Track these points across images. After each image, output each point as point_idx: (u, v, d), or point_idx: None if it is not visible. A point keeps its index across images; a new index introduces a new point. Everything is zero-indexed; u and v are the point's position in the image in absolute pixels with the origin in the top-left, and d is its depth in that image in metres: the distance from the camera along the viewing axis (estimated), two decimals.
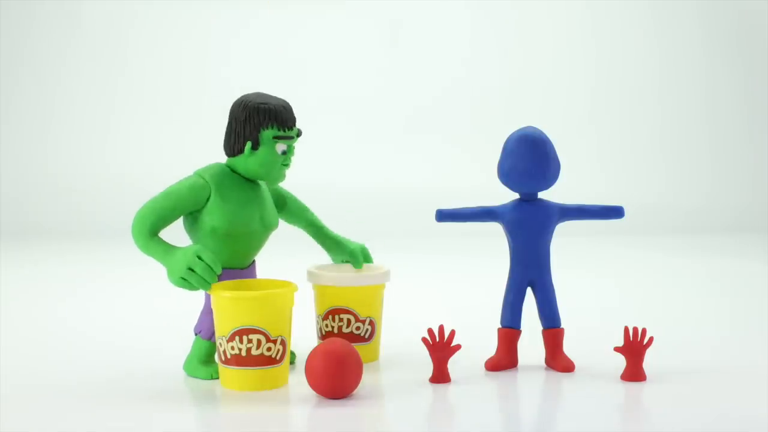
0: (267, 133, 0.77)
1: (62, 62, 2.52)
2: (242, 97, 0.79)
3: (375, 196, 2.21)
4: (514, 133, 0.82)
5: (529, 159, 0.81)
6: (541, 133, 0.82)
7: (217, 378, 0.78)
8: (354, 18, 2.51)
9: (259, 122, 0.77)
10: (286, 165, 0.80)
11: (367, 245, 0.91)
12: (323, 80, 2.45)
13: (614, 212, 0.84)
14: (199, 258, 0.73)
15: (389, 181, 2.26)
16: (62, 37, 2.52)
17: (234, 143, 0.79)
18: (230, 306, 0.74)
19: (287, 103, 0.80)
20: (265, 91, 0.81)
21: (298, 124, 0.81)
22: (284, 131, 0.78)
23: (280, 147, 0.78)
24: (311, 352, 0.73)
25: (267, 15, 2.50)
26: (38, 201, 2.30)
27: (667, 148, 2.44)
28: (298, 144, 0.82)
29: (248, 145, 0.77)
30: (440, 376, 0.78)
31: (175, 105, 2.32)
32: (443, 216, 0.83)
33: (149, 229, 0.75)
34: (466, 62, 2.50)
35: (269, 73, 2.36)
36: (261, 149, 0.78)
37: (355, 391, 0.74)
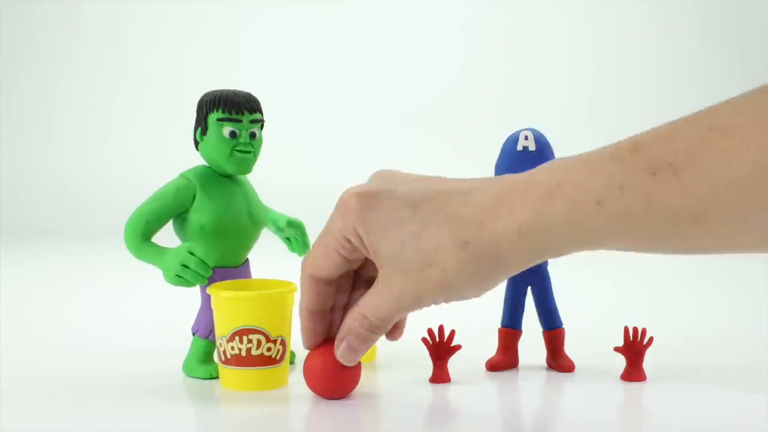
0: (212, 116, 0.79)
1: (62, 62, 2.52)
2: None
3: None
4: (512, 134, 0.82)
5: (527, 162, 0.80)
6: (541, 135, 0.81)
7: (217, 377, 0.78)
8: (354, 18, 2.51)
9: (207, 109, 0.79)
10: (243, 152, 0.79)
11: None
12: (323, 80, 2.45)
13: None
14: (191, 253, 0.74)
15: None
16: (62, 36, 2.52)
17: (193, 137, 0.81)
18: (230, 306, 0.74)
19: (246, 93, 0.80)
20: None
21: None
22: (229, 114, 0.78)
23: (227, 129, 0.78)
24: (309, 353, 0.73)
25: (267, 15, 2.50)
26: (38, 201, 2.31)
27: None
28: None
29: (198, 131, 0.79)
30: (440, 376, 0.78)
31: (176, 105, 2.31)
32: None
33: (141, 235, 0.77)
34: (465, 62, 2.50)
35: (269, 72, 2.36)
36: (208, 133, 0.79)
37: (354, 391, 0.74)
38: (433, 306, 0.61)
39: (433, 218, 0.58)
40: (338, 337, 0.66)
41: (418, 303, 0.60)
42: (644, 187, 0.51)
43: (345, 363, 0.66)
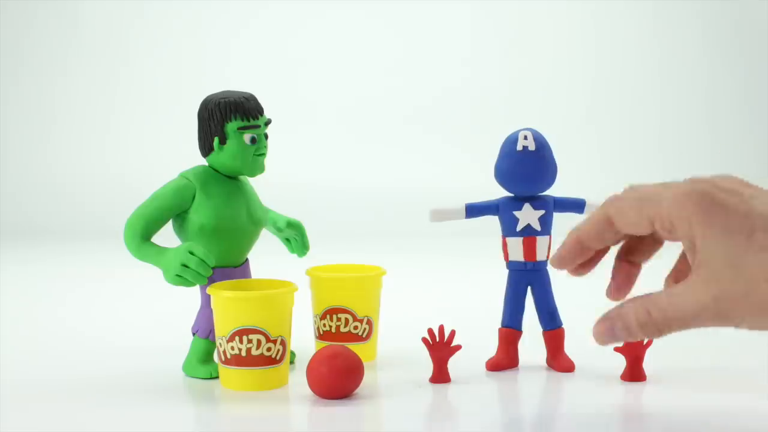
0: (231, 126, 0.78)
1: (62, 62, 2.52)
2: (206, 97, 0.80)
3: (374, 195, 2.21)
4: (512, 134, 0.82)
5: (526, 162, 0.80)
6: (540, 135, 0.81)
7: (217, 377, 0.78)
8: (354, 18, 2.51)
9: (222, 117, 0.78)
10: (261, 154, 0.80)
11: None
12: (323, 80, 2.45)
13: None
14: (191, 253, 0.74)
15: (389, 181, 2.26)
16: (62, 37, 2.52)
17: (204, 142, 0.80)
18: (230, 306, 0.74)
19: (250, 95, 0.81)
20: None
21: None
22: (248, 121, 0.78)
23: (248, 137, 0.79)
24: (314, 358, 0.73)
25: (267, 15, 2.50)
26: (38, 201, 2.31)
27: (667, 147, 2.44)
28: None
29: (216, 141, 0.79)
30: (440, 376, 0.78)
31: (175, 105, 2.32)
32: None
33: (140, 235, 0.77)
34: (466, 62, 2.50)
35: (269, 72, 2.36)
36: (229, 143, 0.79)
37: (354, 391, 0.74)
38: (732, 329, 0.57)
39: None
40: (604, 316, 0.58)
41: (722, 320, 0.57)
42: None
43: (597, 342, 0.58)
